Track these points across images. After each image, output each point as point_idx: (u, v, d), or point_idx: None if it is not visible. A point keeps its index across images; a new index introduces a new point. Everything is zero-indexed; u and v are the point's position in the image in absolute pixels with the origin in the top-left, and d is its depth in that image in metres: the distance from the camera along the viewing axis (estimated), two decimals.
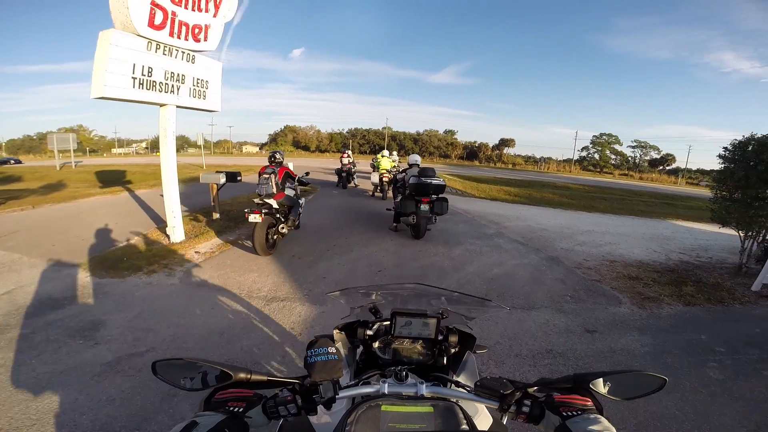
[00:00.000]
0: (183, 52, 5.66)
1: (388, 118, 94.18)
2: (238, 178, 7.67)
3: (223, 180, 7.30)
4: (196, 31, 5.70)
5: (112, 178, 18.47)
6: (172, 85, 5.56)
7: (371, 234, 7.02)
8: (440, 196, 6.56)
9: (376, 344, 1.20)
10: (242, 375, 0.81)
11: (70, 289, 4.16)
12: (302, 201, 7.12)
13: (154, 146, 75.26)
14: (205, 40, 5.89)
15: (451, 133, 74.11)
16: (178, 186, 6.14)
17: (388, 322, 1.20)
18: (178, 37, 5.43)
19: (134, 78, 4.97)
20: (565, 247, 6.91)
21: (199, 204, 9.35)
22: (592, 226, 9.47)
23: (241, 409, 0.79)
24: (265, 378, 0.84)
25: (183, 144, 69.81)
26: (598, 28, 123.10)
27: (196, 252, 5.66)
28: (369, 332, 1.23)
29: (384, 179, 11.43)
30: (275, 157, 6.07)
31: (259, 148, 69.16)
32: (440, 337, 1.19)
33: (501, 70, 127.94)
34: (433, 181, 6.46)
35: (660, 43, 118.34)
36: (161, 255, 5.38)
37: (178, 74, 5.64)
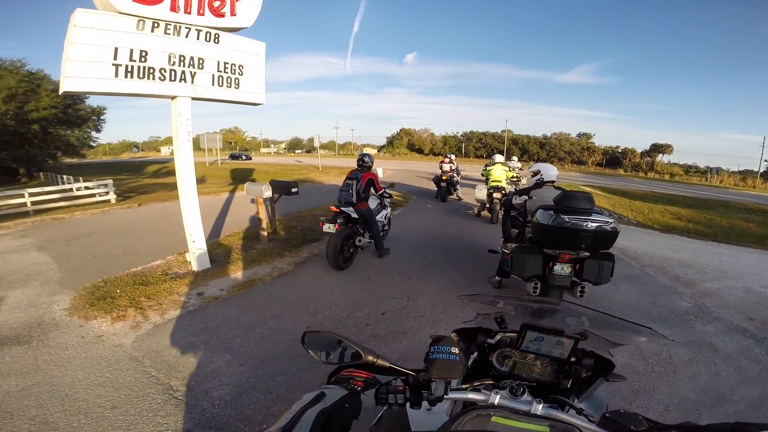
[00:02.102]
0: (199, 31, 4.20)
1: (508, 120, 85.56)
2: (293, 189, 6.00)
3: (267, 193, 5.74)
4: (216, 4, 4.20)
5: (240, 176, 20.18)
6: (183, 72, 4.14)
7: (455, 291, 4.34)
8: (602, 251, 3.36)
9: (494, 354, 1.09)
10: (370, 357, 0.90)
11: (20, 326, 3.45)
12: (387, 212, 6.11)
13: (290, 147, 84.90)
14: (233, 14, 4.36)
15: (586, 136, 64.31)
16: (197, 201, 4.78)
17: (514, 334, 1.07)
18: (187, 12, 4.01)
19: (117, 65, 3.66)
20: None
21: (283, 213, 8.39)
22: None
23: (359, 388, 0.86)
24: (387, 364, 0.91)
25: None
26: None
27: (199, 293, 4.20)
28: (490, 341, 1.13)
29: (494, 197, 8.22)
30: (363, 161, 5.29)
31: (377, 151, 71.03)
32: (572, 359, 1.02)
33: (650, 65, 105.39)
34: (590, 224, 3.13)
35: None
36: (160, 291, 4.21)
37: (193, 58, 4.19)
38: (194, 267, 4.89)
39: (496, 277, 4.40)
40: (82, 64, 3.50)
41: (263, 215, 6.07)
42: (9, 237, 7.09)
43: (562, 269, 3.39)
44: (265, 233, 6.10)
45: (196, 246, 4.83)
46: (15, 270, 5.03)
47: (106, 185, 11.60)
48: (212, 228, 7.54)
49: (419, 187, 15.47)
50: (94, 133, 27.82)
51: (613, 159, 58.90)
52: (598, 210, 3.35)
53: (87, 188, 11.75)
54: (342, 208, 4.95)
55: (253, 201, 5.91)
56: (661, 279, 5.22)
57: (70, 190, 11.42)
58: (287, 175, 19.72)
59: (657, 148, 57.82)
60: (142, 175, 25.46)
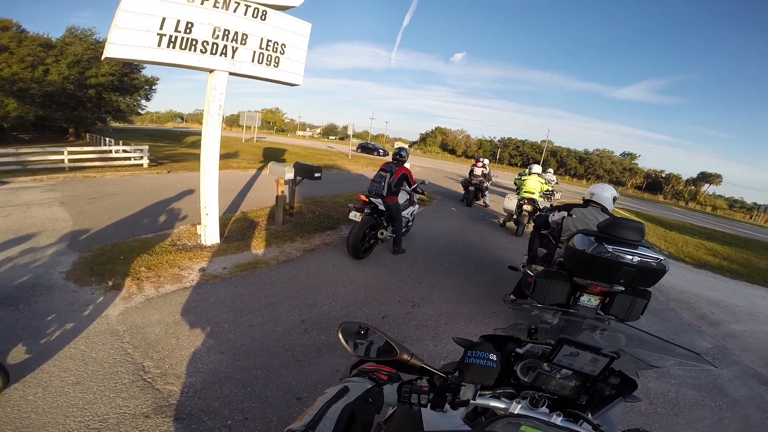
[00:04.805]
0: (248, 6, 4.23)
1: (550, 131, 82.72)
2: (317, 174, 6.01)
3: (289, 175, 5.78)
4: None
5: (273, 155, 20.46)
6: (225, 46, 4.18)
7: (464, 303, 4.19)
8: (641, 288, 3.09)
9: (519, 364, 1.06)
10: (405, 356, 0.90)
11: (15, 286, 3.33)
12: (415, 209, 6.21)
13: (325, 132, 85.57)
14: None
15: (630, 156, 61.80)
16: (217, 173, 4.81)
17: (545, 346, 1.09)
18: None
19: (162, 35, 3.73)
20: None
21: (305, 196, 8.47)
22: None
23: (383, 381, 0.86)
24: (420, 364, 0.91)
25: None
26: None
27: (200, 269, 4.17)
28: (519, 350, 1.09)
29: (524, 208, 7.89)
30: (400, 155, 5.33)
31: (409, 146, 70.71)
32: (600, 376, 1.00)
33: (717, 89, 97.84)
34: (635, 258, 2.80)
35: None
36: (162, 262, 4.15)
37: (237, 33, 4.23)
38: (203, 240, 4.88)
39: (512, 296, 4.17)
40: (128, 31, 3.58)
41: (282, 196, 6.09)
42: (38, 189, 7.36)
43: (589, 301, 3.17)
44: (281, 215, 6.14)
45: (209, 219, 4.84)
46: (32, 224, 5.08)
47: (141, 150, 12.02)
48: (232, 202, 7.59)
49: (446, 188, 15.27)
50: (143, 101, 28.98)
51: (655, 184, 56.56)
52: (647, 244, 3.03)
53: (124, 151, 12.21)
54: (371, 199, 4.99)
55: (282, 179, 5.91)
56: (685, 316, 4.97)
57: (109, 151, 11.91)
58: (317, 159, 19.83)
59: (704, 177, 55.17)
60: (180, 144, 26.28)
